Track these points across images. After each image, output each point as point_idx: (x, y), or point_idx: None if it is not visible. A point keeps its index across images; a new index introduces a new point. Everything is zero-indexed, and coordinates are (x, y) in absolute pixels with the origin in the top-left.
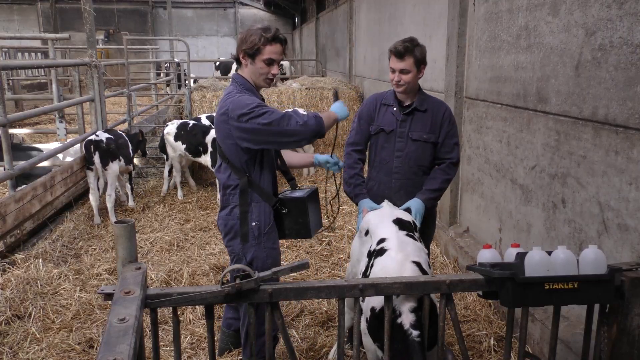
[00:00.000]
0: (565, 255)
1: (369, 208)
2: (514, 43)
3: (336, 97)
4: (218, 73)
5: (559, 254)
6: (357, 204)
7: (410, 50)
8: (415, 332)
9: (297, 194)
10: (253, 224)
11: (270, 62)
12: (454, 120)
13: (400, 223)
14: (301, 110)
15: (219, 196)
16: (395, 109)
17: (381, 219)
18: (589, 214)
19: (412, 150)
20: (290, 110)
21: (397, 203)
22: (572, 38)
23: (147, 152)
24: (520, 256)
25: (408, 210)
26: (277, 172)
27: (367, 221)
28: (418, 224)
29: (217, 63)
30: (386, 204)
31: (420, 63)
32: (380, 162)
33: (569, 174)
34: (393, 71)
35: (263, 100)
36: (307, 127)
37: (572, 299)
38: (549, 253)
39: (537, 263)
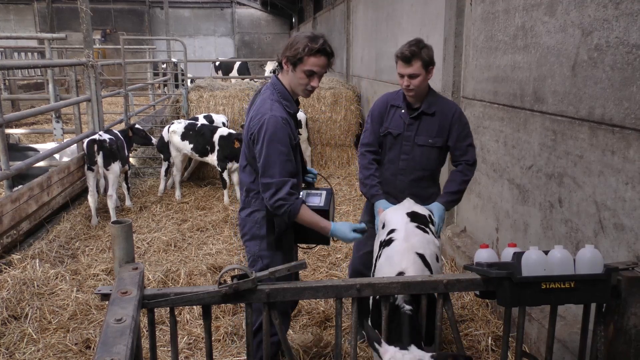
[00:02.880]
0: (562, 255)
1: (384, 208)
2: (510, 43)
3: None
4: (220, 73)
5: (556, 254)
6: (373, 204)
7: (417, 54)
8: (407, 307)
9: (316, 200)
10: (276, 229)
11: (310, 74)
12: (465, 121)
13: (413, 215)
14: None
15: (238, 196)
16: (403, 111)
17: (395, 212)
18: (585, 214)
19: (417, 154)
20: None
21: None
22: (569, 38)
23: (144, 150)
24: (517, 256)
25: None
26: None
27: (384, 215)
28: (438, 228)
29: (217, 63)
30: (407, 201)
31: (429, 65)
32: (388, 162)
33: (565, 174)
34: (402, 76)
35: (298, 104)
36: (276, 210)
37: (569, 298)
38: (546, 253)
39: (534, 263)
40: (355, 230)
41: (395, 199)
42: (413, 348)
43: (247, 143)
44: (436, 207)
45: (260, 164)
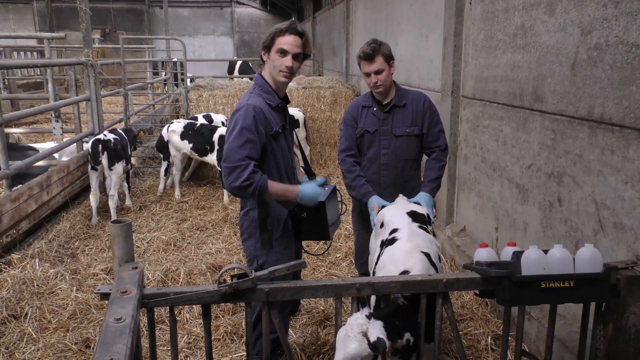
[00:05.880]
0: (561, 254)
1: (379, 204)
2: (510, 42)
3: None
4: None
5: (555, 253)
6: (366, 203)
7: (378, 50)
8: (401, 299)
9: None
10: (269, 227)
11: (282, 52)
12: (434, 109)
13: (414, 215)
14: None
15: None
16: (375, 109)
17: (396, 211)
18: (585, 213)
19: (397, 145)
20: (258, 178)
21: (387, 199)
22: (568, 37)
23: (143, 150)
24: (517, 255)
25: (418, 204)
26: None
27: (382, 214)
28: (431, 216)
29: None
30: (400, 198)
31: (389, 59)
32: (369, 161)
33: (565, 173)
34: (368, 75)
35: (287, 100)
36: (244, 191)
37: (569, 297)
38: (545, 252)
39: (533, 262)
40: (321, 185)
41: (380, 196)
42: (375, 322)
43: None
44: (424, 197)
45: (225, 149)
